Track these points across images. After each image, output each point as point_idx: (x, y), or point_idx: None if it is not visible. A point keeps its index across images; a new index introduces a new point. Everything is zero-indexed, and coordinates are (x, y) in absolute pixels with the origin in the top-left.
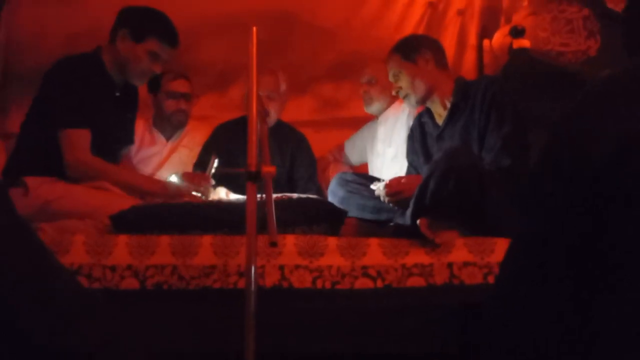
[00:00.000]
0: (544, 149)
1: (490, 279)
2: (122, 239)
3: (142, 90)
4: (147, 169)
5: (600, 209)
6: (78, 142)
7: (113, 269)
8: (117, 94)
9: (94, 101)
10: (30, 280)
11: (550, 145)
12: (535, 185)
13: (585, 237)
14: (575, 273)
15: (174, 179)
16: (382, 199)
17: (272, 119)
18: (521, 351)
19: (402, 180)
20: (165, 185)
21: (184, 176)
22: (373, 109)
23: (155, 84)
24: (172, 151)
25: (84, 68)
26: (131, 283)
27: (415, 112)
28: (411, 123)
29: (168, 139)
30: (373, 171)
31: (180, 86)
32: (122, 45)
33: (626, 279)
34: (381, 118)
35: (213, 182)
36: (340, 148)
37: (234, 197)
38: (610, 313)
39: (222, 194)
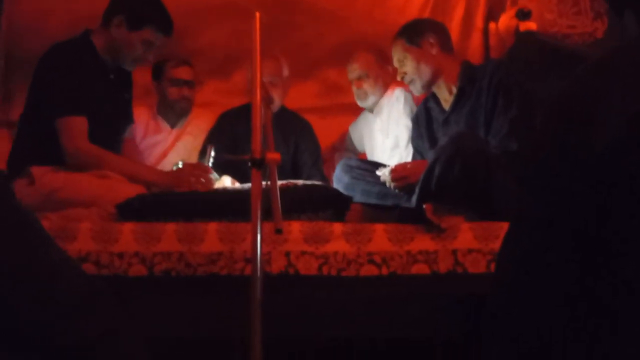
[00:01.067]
0: (548, 130)
1: (494, 267)
2: (128, 226)
3: (146, 77)
4: (152, 157)
5: (604, 195)
6: (75, 129)
7: (120, 256)
8: (111, 76)
9: (88, 87)
10: (31, 280)
11: (555, 126)
12: (540, 167)
13: (589, 222)
14: (581, 258)
15: (181, 166)
16: (387, 184)
17: (276, 104)
18: (525, 339)
19: (408, 166)
20: (165, 174)
21: (186, 168)
22: (368, 102)
23: (158, 71)
24: (177, 139)
25: (76, 53)
26: (139, 270)
27: (412, 99)
28: (408, 112)
29: (172, 126)
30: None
31: (183, 73)
32: (117, 31)
33: (629, 266)
34: (376, 110)
35: (213, 171)
36: (342, 137)
37: (239, 186)
38: (615, 300)
39: (227, 182)
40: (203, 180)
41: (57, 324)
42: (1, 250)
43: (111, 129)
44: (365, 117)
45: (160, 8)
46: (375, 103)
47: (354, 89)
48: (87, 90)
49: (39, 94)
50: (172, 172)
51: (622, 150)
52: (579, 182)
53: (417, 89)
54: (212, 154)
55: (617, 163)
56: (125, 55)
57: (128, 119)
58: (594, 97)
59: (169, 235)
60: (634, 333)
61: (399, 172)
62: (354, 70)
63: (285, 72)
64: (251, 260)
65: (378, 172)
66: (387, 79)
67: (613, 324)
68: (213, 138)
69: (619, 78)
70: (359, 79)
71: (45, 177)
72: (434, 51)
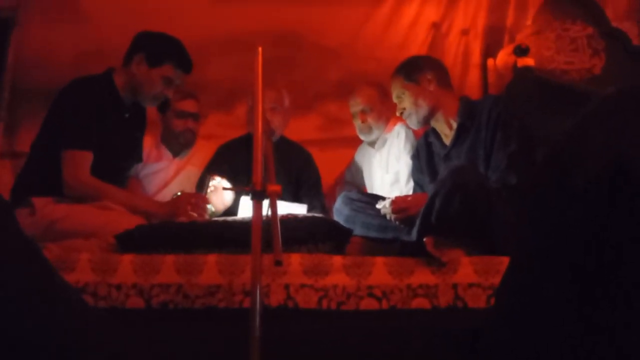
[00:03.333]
0: (546, 164)
1: (493, 302)
2: (127, 257)
3: (151, 108)
4: (152, 185)
5: (602, 227)
6: (78, 163)
7: (118, 287)
8: (127, 115)
9: (100, 123)
10: (34, 303)
11: (553, 161)
12: (538, 200)
13: (586, 254)
14: (579, 289)
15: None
16: (387, 216)
17: (277, 133)
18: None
19: (408, 198)
20: (162, 204)
21: (182, 196)
22: (372, 136)
23: (164, 103)
24: (180, 169)
25: (95, 90)
26: (137, 302)
27: (413, 135)
28: (409, 148)
29: (175, 155)
30: None
31: (188, 106)
32: (137, 69)
33: (628, 296)
34: (378, 144)
35: (210, 204)
36: (344, 172)
37: (239, 217)
38: (614, 329)
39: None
40: (199, 208)
41: (60, 346)
42: (4, 275)
43: (119, 166)
44: (364, 150)
45: (179, 46)
46: (378, 137)
47: (358, 123)
48: (98, 127)
49: (51, 125)
50: (169, 202)
51: (619, 183)
52: (577, 215)
53: (413, 123)
54: (210, 184)
55: (614, 196)
56: (145, 92)
57: (136, 157)
58: (593, 132)
59: (167, 267)
60: (631, 344)
61: (399, 204)
62: (357, 104)
63: (286, 102)
64: (250, 293)
65: (378, 205)
66: (389, 113)
67: (612, 351)
68: (211, 169)
69: (620, 113)
70: (363, 112)
71: (47, 207)
72: (432, 87)
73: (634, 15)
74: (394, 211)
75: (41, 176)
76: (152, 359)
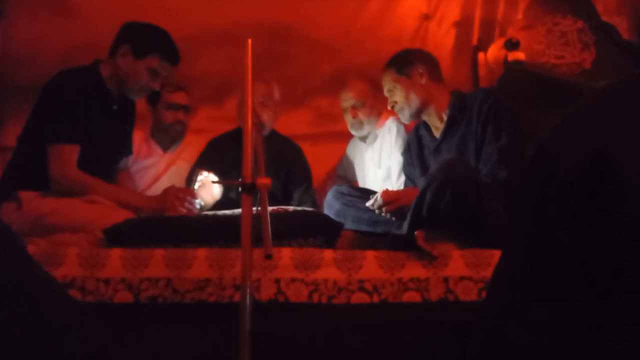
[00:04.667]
0: (534, 158)
1: (485, 295)
2: (116, 251)
3: (141, 101)
4: (143, 180)
5: (587, 221)
6: (65, 156)
7: (107, 282)
8: (115, 107)
9: (87, 116)
10: (16, 300)
11: (540, 156)
12: (526, 194)
13: (575, 246)
14: (570, 281)
15: None
16: (376, 206)
17: (267, 127)
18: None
19: (399, 191)
20: (150, 198)
21: (170, 190)
22: (364, 131)
23: (154, 96)
24: (171, 164)
25: (81, 82)
26: (125, 296)
27: (404, 130)
28: (400, 143)
29: (165, 149)
30: None
31: (179, 98)
32: (123, 60)
33: (617, 282)
34: (369, 139)
35: (199, 198)
36: (331, 175)
37: (229, 211)
38: (606, 318)
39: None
40: (187, 203)
41: (42, 345)
42: None
43: (107, 159)
44: (356, 144)
45: (166, 37)
46: (370, 132)
47: (349, 118)
48: (84, 119)
49: (37, 117)
50: (157, 196)
51: (598, 185)
52: (563, 209)
53: (405, 117)
54: (199, 178)
55: (594, 199)
56: (131, 84)
57: (126, 150)
58: (577, 131)
59: (156, 261)
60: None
61: (390, 195)
62: (349, 99)
63: (276, 95)
64: (240, 287)
65: (368, 204)
66: (381, 107)
67: (603, 328)
68: (202, 163)
69: (605, 111)
70: (354, 107)
71: (34, 201)
72: (423, 81)
73: (624, 10)
74: (385, 201)
75: (28, 170)
76: (141, 354)
